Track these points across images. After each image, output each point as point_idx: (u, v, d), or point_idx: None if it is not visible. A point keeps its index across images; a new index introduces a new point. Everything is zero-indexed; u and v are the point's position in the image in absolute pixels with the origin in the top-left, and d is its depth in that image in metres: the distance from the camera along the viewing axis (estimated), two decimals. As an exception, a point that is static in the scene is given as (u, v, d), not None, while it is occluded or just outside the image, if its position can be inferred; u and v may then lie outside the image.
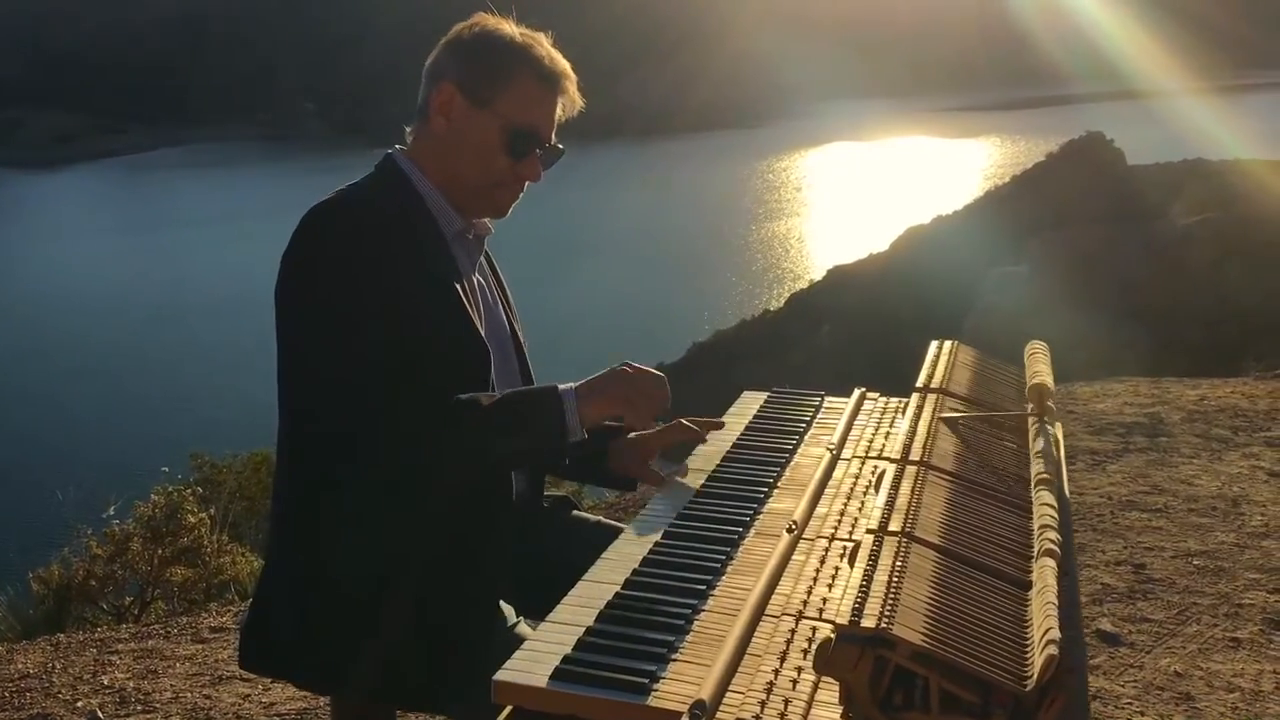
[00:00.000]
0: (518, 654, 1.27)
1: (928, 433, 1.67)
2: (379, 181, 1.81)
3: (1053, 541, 1.29)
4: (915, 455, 1.58)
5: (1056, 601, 1.17)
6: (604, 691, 1.20)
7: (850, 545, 1.49)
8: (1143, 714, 2.86)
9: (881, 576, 1.19)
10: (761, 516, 1.63)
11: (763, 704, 1.16)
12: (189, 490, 5.02)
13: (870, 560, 1.24)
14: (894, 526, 1.33)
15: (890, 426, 1.95)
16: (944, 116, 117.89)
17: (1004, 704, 1.07)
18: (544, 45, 1.82)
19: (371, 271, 1.65)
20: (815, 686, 1.19)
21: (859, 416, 2.03)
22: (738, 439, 1.97)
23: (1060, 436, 1.83)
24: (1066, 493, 1.68)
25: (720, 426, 2.01)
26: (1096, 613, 3.41)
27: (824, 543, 1.53)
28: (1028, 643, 1.15)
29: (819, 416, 2.07)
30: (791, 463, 1.85)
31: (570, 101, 1.85)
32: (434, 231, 1.80)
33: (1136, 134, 51.62)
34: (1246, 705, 2.89)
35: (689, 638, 1.30)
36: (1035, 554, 1.30)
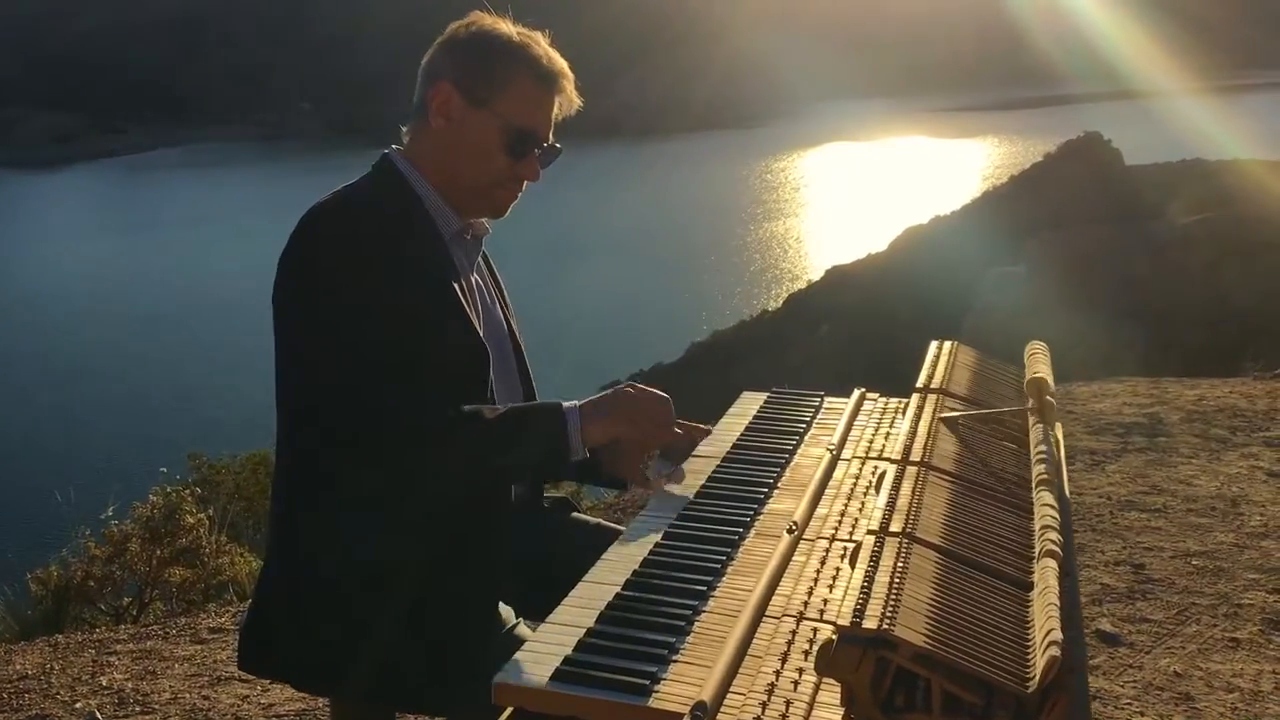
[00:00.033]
0: (518, 655, 1.27)
1: (928, 433, 1.67)
2: (377, 182, 1.80)
3: (1054, 542, 1.29)
4: (916, 456, 1.58)
5: (1058, 602, 1.17)
6: (605, 693, 1.19)
7: (851, 546, 1.48)
8: (1142, 714, 2.86)
9: (883, 577, 1.19)
10: (762, 517, 1.63)
11: (764, 705, 1.16)
12: (187, 491, 5.00)
13: (871, 561, 1.23)
14: (895, 527, 1.33)
15: (890, 427, 1.94)
16: (942, 117, 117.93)
17: (1006, 705, 1.06)
18: (541, 44, 1.82)
19: (370, 272, 1.64)
20: (816, 688, 1.18)
21: (859, 417, 2.02)
22: (737, 439, 1.95)
23: (1060, 437, 1.83)
24: (1067, 493, 1.68)
25: (707, 433, 1.96)
26: (1096, 613, 3.41)
27: (824, 543, 1.52)
28: (1029, 644, 1.14)
29: (819, 417, 2.06)
30: (791, 463, 1.84)
31: (568, 101, 1.85)
32: (432, 232, 1.80)
33: (1134, 134, 51.72)
34: (1246, 705, 2.89)
35: (690, 639, 1.29)
36: (1036, 555, 1.30)
